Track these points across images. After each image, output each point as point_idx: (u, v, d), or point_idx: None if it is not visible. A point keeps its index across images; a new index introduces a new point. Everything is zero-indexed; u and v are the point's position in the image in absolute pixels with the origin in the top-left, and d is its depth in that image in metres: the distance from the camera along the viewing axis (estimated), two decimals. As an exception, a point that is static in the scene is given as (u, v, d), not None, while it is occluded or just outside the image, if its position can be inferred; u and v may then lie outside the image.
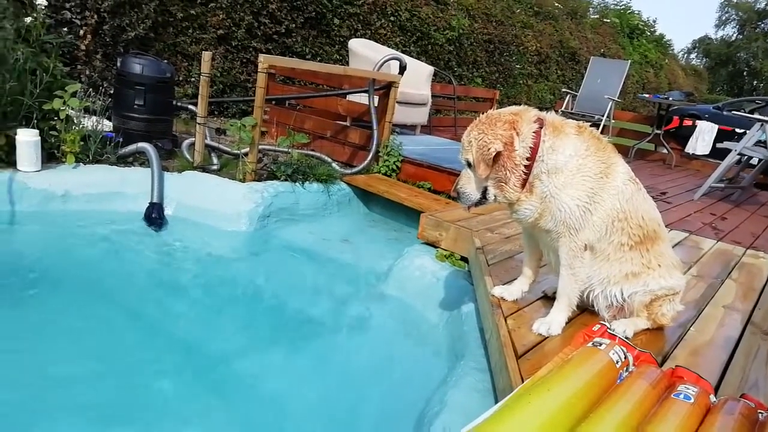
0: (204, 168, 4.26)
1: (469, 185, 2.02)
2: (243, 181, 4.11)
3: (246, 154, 4.20)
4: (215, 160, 4.47)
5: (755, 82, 36.61)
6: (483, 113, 2.01)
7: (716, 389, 1.78)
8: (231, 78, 6.78)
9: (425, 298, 2.95)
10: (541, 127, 1.93)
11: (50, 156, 3.77)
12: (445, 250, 3.27)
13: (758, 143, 5.40)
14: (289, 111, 6.05)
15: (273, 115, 5.80)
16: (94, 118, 4.06)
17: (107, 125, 4.28)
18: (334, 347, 2.72)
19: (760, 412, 1.53)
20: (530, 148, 1.92)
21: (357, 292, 3.28)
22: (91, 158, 3.91)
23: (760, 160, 5.61)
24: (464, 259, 3.19)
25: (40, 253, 3.16)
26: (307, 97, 6.12)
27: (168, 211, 3.77)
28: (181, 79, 6.35)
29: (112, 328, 2.54)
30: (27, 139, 3.51)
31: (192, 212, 3.82)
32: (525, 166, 1.92)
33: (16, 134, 3.51)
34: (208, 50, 4.30)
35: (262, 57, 3.99)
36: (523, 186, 1.96)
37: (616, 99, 7.97)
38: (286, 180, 4.30)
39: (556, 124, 1.97)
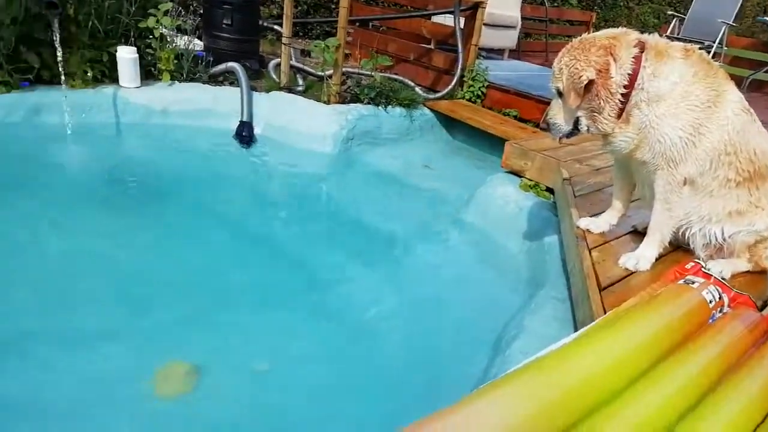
0: (290, 89, 4.32)
1: (559, 116, 1.92)
2: (327, 103, 4.15)
3: (330, 76, 4.20)
4: (300, 82, 4.51)
5: None
6: (577, 37, 1.87)
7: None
8: (315, -3, 6.69)
9: (507, 227, 2.91)
10: (642, 52, 1.78)
11: (147, 73, 3.96)
12: (530, 180, 3.18)
13: None
14: (373, 33, 5.94)
15: (356, 36, 5.71)
16: (186, 37, 4.18)
17: (198, 44, 4.40)
18: (411, 268, 2.78)
19: None
20: (629, 75, 1.78)
21: (437, 218, 3.29)
22: (184, 76, 4.07)
23: None
24: (549, 190, 3.10)
25: (143, 163, 3.42)
26: (391, 18, 5.95)
27: (257, 130, 3.91)
28: (266, -1, 6.34)
29: (203, 233, 2.75)
30: (127, 55, 3.69)
31: (279, 132, 3.94)
32: (622, 94, 1.80)
33: (116, 51, 3.70)
34: (295, -33, 4.23)
35: (347, -26, 3.88)
36: (619, 116, 1.84)
37: (730, 23, 7.16)
38: (369, 103, 4.29)
39: (659, 48, 1.81)
